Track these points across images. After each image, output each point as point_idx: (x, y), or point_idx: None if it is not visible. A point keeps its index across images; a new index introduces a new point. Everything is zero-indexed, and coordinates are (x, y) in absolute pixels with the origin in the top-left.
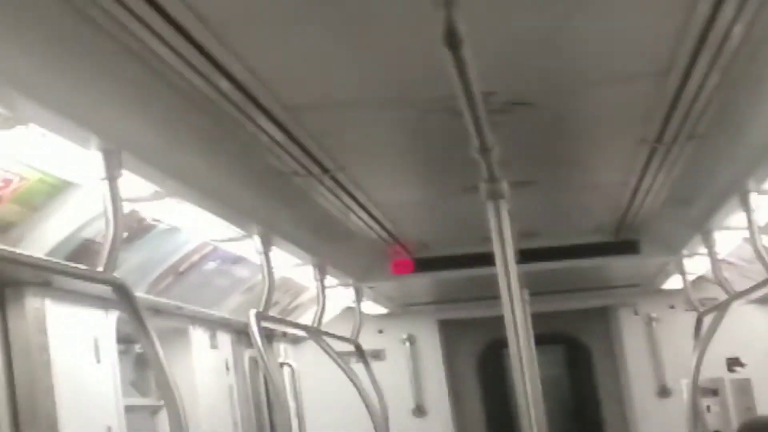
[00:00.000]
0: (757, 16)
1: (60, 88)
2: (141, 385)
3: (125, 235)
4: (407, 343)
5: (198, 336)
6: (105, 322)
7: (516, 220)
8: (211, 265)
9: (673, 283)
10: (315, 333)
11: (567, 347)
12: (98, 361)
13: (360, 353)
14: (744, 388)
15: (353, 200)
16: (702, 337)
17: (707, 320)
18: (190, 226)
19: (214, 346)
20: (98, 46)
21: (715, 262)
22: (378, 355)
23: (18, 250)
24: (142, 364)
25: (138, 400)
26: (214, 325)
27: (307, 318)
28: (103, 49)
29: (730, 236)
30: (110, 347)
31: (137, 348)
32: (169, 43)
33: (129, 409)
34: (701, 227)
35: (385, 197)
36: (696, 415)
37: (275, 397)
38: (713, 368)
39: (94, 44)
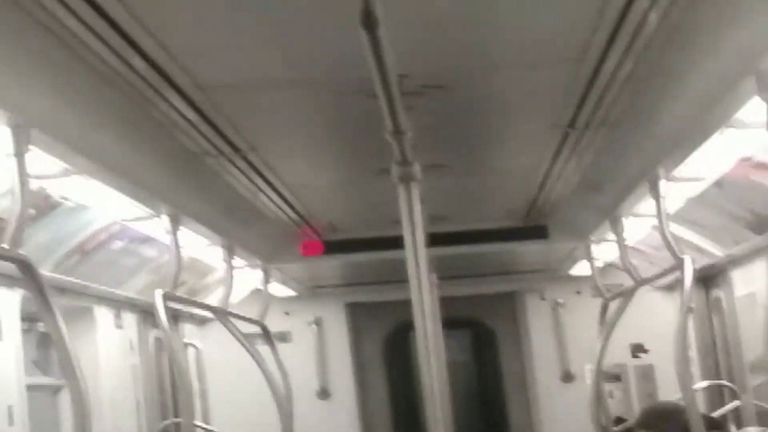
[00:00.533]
0: (672, 4)
1: None
2: (43, 364)
3: (32, 212)
4: (314, 326)
5: (103, 315)
6: (8, 300)
7: (426, 204)
8: (118, 244)
9: (581, 269)
10: (221, 314)
11: (473, 331)
12: (1, 339)
13: (266, 335)
14: (647, 374)
15: (264, 181)
16: (607, 323)
17: (613, 306)
18: (99, 204)
19: (119, 325)
20: (8, 20)
21: (623, 248)
22: (284, 337)
23: None
24: (45, 343)
25: (40, 380)
26: (119, 304)
27: (214, 299)
28: (14, 23)
29: (638, 223)
30: (13, 325)
31: (40, 326)
32: (83, 18)
33: (31, 389)
34: (610, 213)
35: (297, 179)
36: (599, 400)
37: (179, 378)
38: (617, 354)
39: (4, 18)
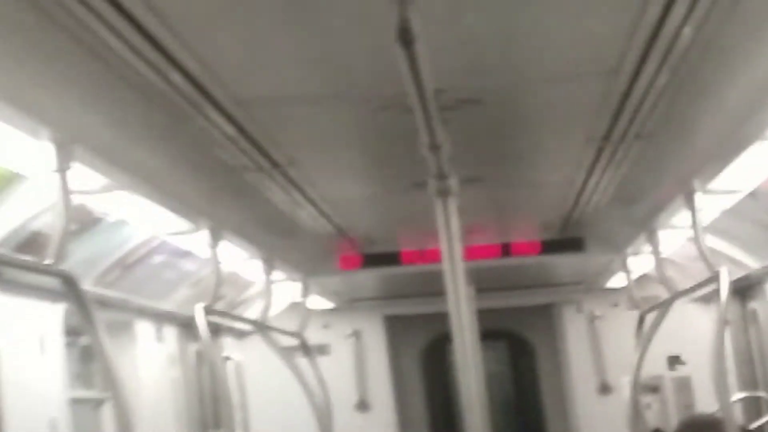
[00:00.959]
0: (707, 18)
1: (12, 79)
2: (86, 377)
3: (73, 227)
4: (353, 338)
5: (144, 329)
6: (52, 314)
7: (463, 217)
8: (158, 258)
9: (617, 281)
10: (261, 327)
11: (511, 343)
12: (44, 353)
13: (305, 348)
14: (684, 386)
15: (302, 195)
16: (644, 335)
17: (649, 318)
18: (139, 219)
19: (159, 339)
20: (51, 38)
21: (659, 260)
22: (323, 349)
23: None
24: (87, 357)
25: (83, 393)
26: (160, 318)
27: (253, 312)
28: (57, 41)
29: (674, 235)
30: (56, 339)
31: (83, 340)
32: (123, 35)
33: (74, 402)
34: (646, 226)
35: (335, 193)
36: (636, 412)
37: (219, 390)
38: (654, 366)
39: (47, 37)
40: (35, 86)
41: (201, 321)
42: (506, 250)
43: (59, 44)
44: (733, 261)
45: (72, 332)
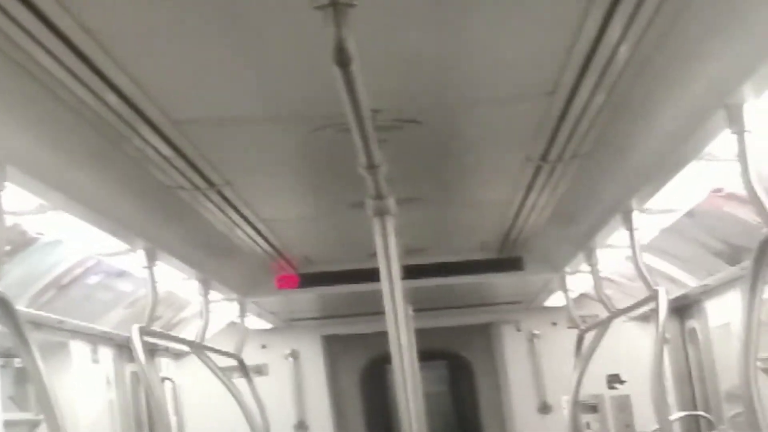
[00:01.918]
0: (643, 38)
1: None
2: (20, 399)
3: (7, 248)
4: (290, 359)
5: (79, 350)
6: None
7: (402, 237)
8: (94, 278)
9: (556, 300)
10: (198, 348)
11: (450, 363)
12: None
13: (243, 368)
14: (623, 405)
15: (239, 215)
16: (583, 354)
17: (588, 337)
18: (74, 239)
19: (95, 360)
20: None
21: (598, 279)
22: (261, 370)
23: None
24: (21, 378)
25: (17, 415)
26: (95, 339)
27: (190, 332)
28: None
29: (612, 254)
30: None
31: (17, 362)
32: (56, 55)
33: (7, 424)
34: (584, 245)
35: (272, 212)
36: (576, 431)
37: (156, 412)
38: (594, 385)
39: None
40: None
41: (137, 342)
42: (445, 269)
43: None
44: (671, 279)
45: (5, 354)
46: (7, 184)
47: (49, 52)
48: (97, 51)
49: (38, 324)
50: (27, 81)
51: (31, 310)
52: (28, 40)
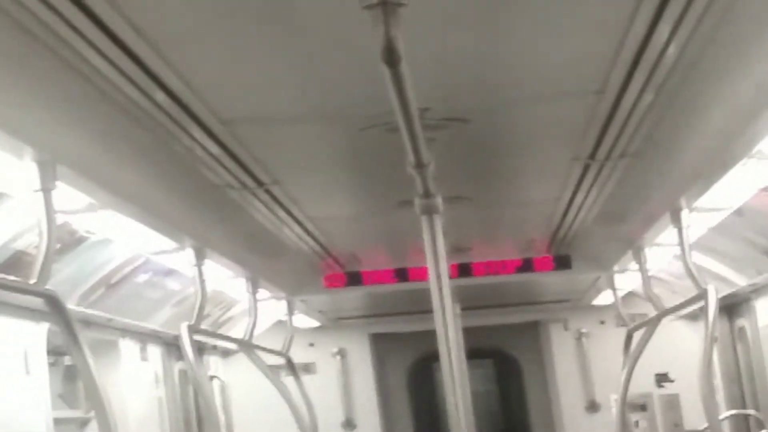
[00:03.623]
0: (692, 37)
1: None
2: (70, 397)
3: (57, 246)
4: (338, 357)
5: (128, 348)
6: (35, 334)
7: (449, 235)
8: (143, 277)
9: (604, 298)
10: (246, 346)
11: (497, 361)
12: (28, 373)
13: (291, 367)
14: (672, 404)
15: (287, 214)
16: (631, 353)
17: (637, 336)
18: (124, 238)
19: (144, 358)
20: (35, 58)
21: (646, 278)
22: (309, 368)
23: None
24: (71, 376)
25: (67, 413)
26: (144, 337)
27: (238, 331)
28: (41, 61)
29: (660, 252)
30: (40, 359)
31: (66, 360)
32: (107, 55)
33: (58, 422)
34: (632, 243)
35: (319, 211)
36: (624, 429)
37: (205, 410)
38: (642, 383)
39: (31, 57)
40: (18, 106)
41: (186, 340)
42: (493, 268)
43: (43, 64)
44: (720, 278)
45: (55, 352)
46: (58, 183)
47: (99, 51)
48: (146, 50)
49: (88, 322)
50: (77, 81)
51: (81, 309)
52: (79, 40)
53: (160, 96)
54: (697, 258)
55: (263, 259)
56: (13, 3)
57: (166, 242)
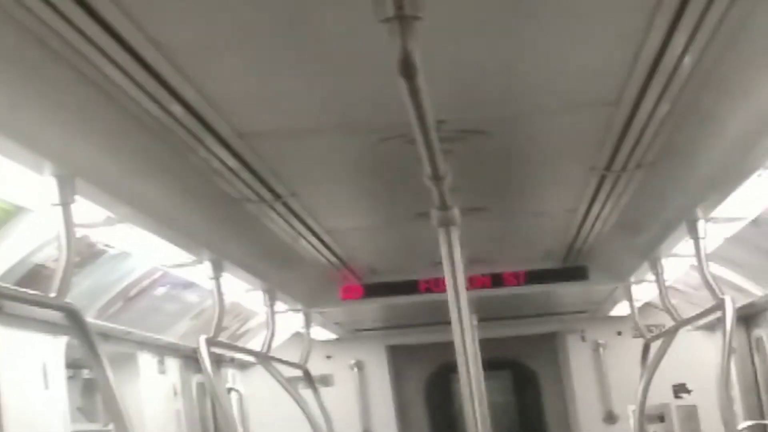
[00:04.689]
0: (707, 48)
1: (13, 113)
2: (88, 410)
3: (76, 260)
4: (355, 369)
5: (146, 361)
6: (54, 347)
7: (466, 247)
8: (161, 290)
9: (621, 309)
10: (264, 358)
11: (515, 373)
12: (47, 387)
13: (308, 379)
14: (690, 415)
15: (304, 226)
16: (649, 364)
17: (654, 346)
18: (142, 251)
19: (162, 371)
20: (53, 72)
21: (663, 288)
22: (326, 380)
23: None
24: (89, 390)
25: (86, 426)
26: (162, 350)
27: (256, 343)
28: (59, 75)
29: (677, 263)
30: (59, 372)
31: (85, 373)
32: (125, 69)
33: None
34: (649, 254)
35: (336, 223)
36: None
37: (223, 422)
38: (660, 394)
39: (49, 70)
40: (37, 120)
41: (204, 353)
42: (509, 279)
43: (61, 78)
44: (737, 288)
45: (74, 365)
46: (76, 197)
47: (117, 65)
48: (164, 63)
49: (106, 335)
50: (95, 94)
51: (100, 322)
52: (97, 53)
53: (178, 109)
54: (714, 268)
55: (280, 271)
56: (31, 18)
57: (184, 255)
